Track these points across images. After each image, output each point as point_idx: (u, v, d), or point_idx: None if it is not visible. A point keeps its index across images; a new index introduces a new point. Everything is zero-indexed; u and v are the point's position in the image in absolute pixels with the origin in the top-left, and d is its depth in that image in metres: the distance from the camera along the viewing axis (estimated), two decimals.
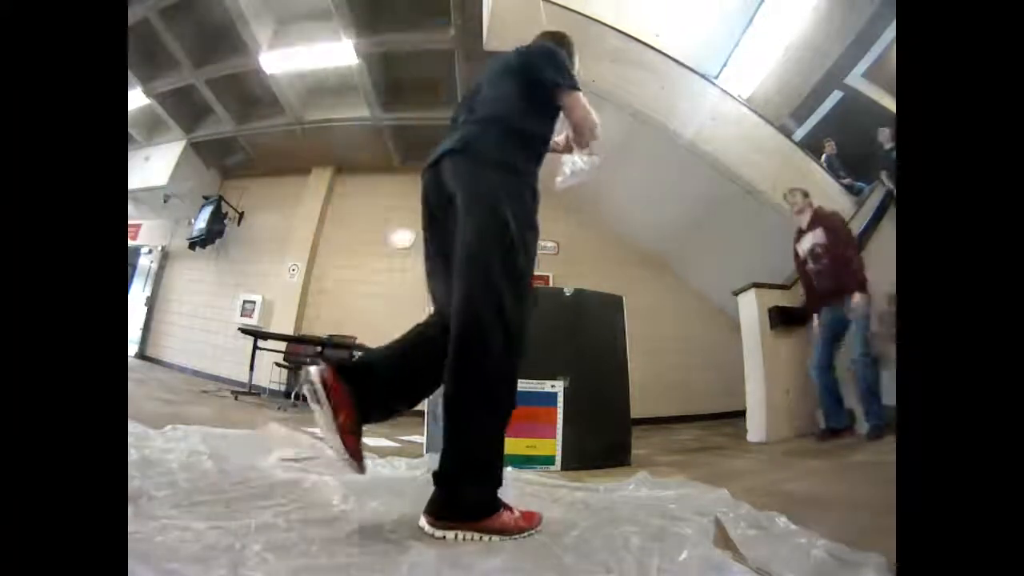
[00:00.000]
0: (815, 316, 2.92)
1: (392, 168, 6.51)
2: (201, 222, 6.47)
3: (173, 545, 0.82)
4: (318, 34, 4.92)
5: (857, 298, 2.66)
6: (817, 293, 2.87)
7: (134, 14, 4.65)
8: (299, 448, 2.08)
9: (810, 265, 2.86)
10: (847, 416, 2.81)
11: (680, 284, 5.68)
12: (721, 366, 4.30)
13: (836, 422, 2.75)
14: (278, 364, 5.17)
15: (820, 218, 2.88)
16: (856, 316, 2.70)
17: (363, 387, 1.07)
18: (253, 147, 6.57)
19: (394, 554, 0.88)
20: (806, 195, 2.99)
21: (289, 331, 5.72)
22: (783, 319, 3.16)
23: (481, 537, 0.98)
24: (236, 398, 4.45)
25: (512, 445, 2.18)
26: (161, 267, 7.05)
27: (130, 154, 6.49)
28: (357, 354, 4.91)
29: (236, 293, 6.47)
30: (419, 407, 2.66)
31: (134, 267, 7.16)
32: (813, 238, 2.84)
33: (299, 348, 5.33)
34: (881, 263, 3.60)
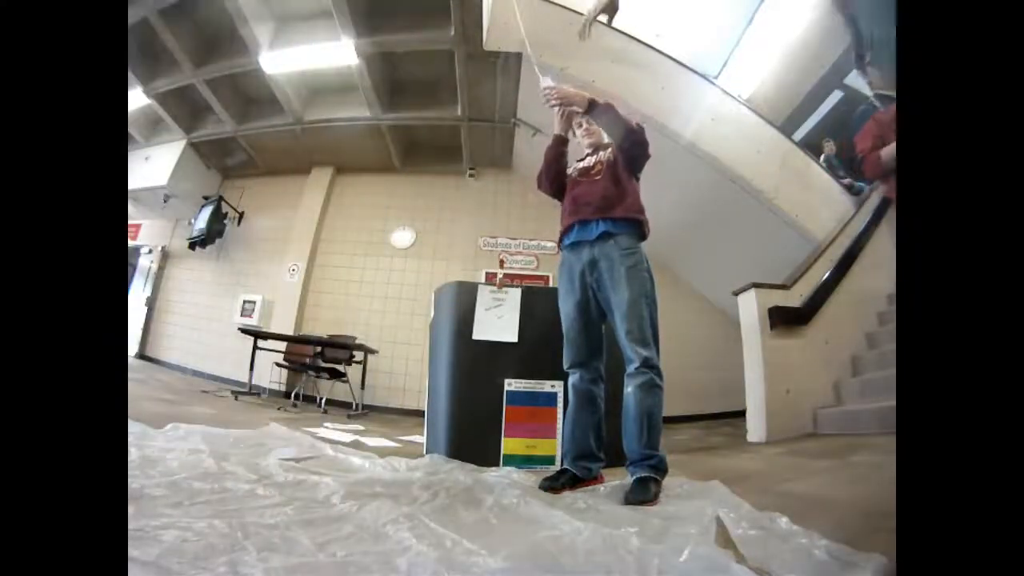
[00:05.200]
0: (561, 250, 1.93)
1: (392, 168, 6.51)
2: (201, 222, 6.47)
3: (173, 545, 0.82)
4: (318, 34, 4.92)
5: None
6: (575, 208, 1.87)
7: (134, 14, 4.65)
8: (299, 448, 2.08)
9: (576, 176, 1.96)
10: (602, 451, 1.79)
11: (680, 284, 5.69)
12: (721, 366, 4.30)
13: (586, 461, 1.75)
14: (278, 364, 5.17)
15: (611, 144, 2.01)
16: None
17: None
18: (253, 147, 6.58)
19: (394, 554, 0.89)
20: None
21: (289, 331, 5.72)
22: (783, 319, 3.16)
23: None
24: (236, 398, 4.45)
25: (512, 445, 2.19)
26: (161, 267, 7.05)
27: (130, 154, 6.49)
28: (357, 354, 4.93)
29: (236, 293, 6.47)
30: (419, 407, 2.67)
31: (134, 267, 7.15)
32: (600, 157, 1.95)
33: (299, 348, 5.33)
34: (881, 263, 3.61)
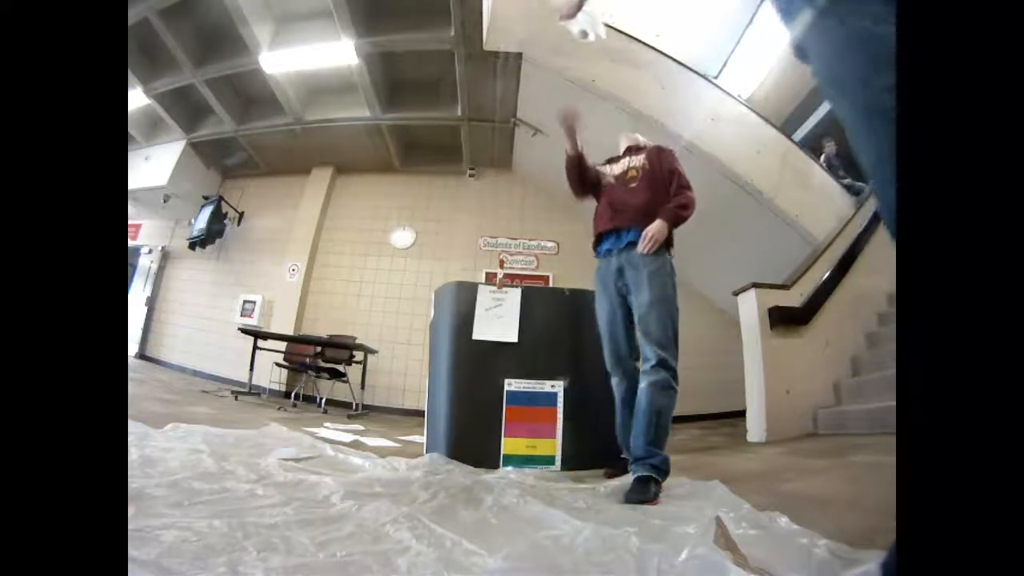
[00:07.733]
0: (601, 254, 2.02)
1: (392, 168, 6.52)
2: (201, 222, 6.47)
3: (173, 545, 0.82)
4: (318, 34, 4.92)
5: (655, 226, 1.79)
6: (611, 215, 1.95)
7: (134, 14, 4.65)
8: (299, 448, 2.08)
9: (612, 183, 2.02)
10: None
11: (680, 284, 5.68)
12: (721, 366, 4.30)
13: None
14: (278, 364, 5.17)
15: (645, 148, 2.14)
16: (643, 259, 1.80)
17: None
18: (253, 147, 6.58)
19: (394, 554, 0.89)
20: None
21: (289, 331, 5.72)
22: (783, 319, 3.16)
23: None
24: (236, 398, 4.45)
25: (512, 445, 2.19)
26: (161, 267, 7.05)
27: (130, 154, 6.49)
28: (357, 354, 4.93)
29: (236, 293, 6.47)
30: (419, 407, 2.68)
31: (134, 267, 7.15)
32: (633, 162, 2.04)
33: (299, 348, 5.33)
34: (881, 263, 3.61)
